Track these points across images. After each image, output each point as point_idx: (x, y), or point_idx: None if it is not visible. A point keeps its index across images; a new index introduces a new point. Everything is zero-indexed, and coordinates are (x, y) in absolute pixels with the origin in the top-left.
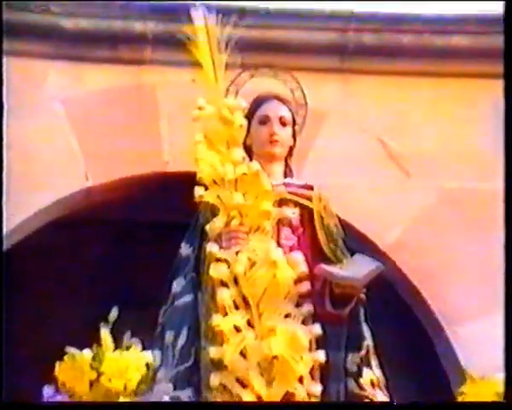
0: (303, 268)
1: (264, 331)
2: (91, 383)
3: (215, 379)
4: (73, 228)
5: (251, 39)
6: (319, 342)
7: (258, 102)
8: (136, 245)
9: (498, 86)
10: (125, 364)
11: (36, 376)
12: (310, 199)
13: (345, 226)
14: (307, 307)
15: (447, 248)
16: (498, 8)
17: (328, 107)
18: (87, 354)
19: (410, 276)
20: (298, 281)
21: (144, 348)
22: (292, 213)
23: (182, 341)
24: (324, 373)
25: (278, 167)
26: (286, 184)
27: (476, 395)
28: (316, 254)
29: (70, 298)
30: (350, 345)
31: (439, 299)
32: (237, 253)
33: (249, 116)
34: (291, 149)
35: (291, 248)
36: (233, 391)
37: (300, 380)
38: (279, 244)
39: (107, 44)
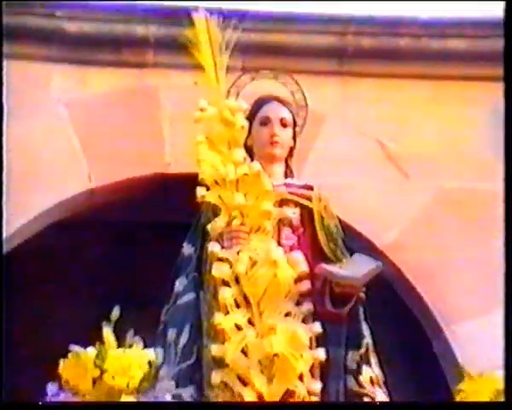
0: (303, 267)
1: (264, 330)
2: (94, 381)
3: (216, 377)
4: (76, 229)
5: (251, 42)
6: (319, 341)
7: (259, 104)
8: (139, 245)
9: (495, 89)
10: (128, 362)
11: (37, 376)
12: (310, 199)
13: (344, 227)
14: (307, 306)
15: (446, 249)
16: (495, 12)
17: (328, 109)
18: (91, 352)
19: (408, 276)
20: (298, 280)
21: (146, 347)
22: (292, 213)
23: (184, 339)
24: (324, 371)
25: (279, 168)
26: (286, 185)
27: (474, 393)
28: (316, 254)
29: (72, 298)
30: (350, 343)
31: (437, 298)
32: (238, 252)
33: (250, 117)
34: (291, 149)
35: (291, 248)
36: (234, 389)
37: (301, 378)
38: (280, 244)
39: (109, 48)
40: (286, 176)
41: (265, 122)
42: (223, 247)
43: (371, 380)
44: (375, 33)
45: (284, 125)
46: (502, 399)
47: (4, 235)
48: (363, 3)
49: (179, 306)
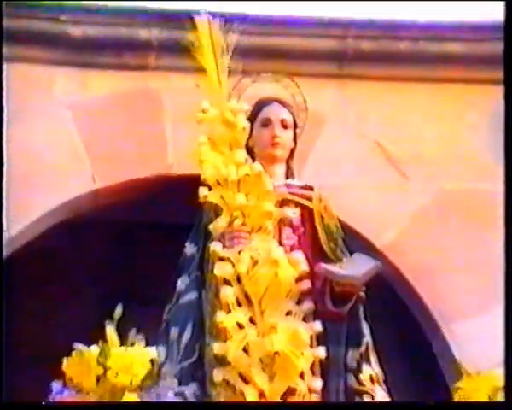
0: (304, 267)
1: (266, 328)
2: (98, 379)
3: (218, 375)
4: (80, 229)
5: (252, 46)
6: (320, 339)
7: (260, 106)
8: (142, 245)
9: (494, 92)
10: (131, 360)
11: (41, 375)
12: (310, 199)
13: (343, 227)
14: (308, 305)
15: (444, 249)
16: (493, 15)
17: (328, 111)
18: (94, 350)
19: (407, 275)
20: (299, 279)
21: (148, 345)
22: (293, 213)
23: (186, 337)
24: (325, 369)
25: (280, 169)
26: (287, 185)
27: (473, 391)
28: (316, 254)
29: (76, 297)
30: (350, 342)
31: (436, 298)
32: (240, 252)
33: (252, 119)
34: (292, 151)
35: (292, 248)
36: (236, 386)
37: (301, 376)
38: (280, 244)
39: (112, 51)
40: (287, 177)
41: (266, 123)
42: (224, 246)
43: (371, 378)
44: (374, 37)
45: (285, 126)
46: (500, 397)
47: (8, 236)
48: (362, 7)
49: (181, 305)
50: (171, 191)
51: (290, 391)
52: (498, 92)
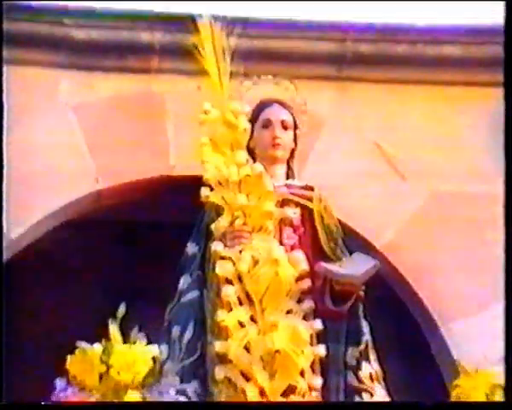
0: (304, 266)
1: (266, 327)
2: (101, 376)
3: (220, 372)
4: (84, 230)
5: (254, 49)
6: (320, 337)
7: (261, 107)
8: (144, 245)
9: (490, 94)
10: (133, 357)
11: (41, 373)
12: (310, 200)
13: (343, 227)
14: (308, 304)
15: (442, 249)
16: (490, 19)
17: (328, 113)
18: (97, 348)
19: (406, 275)
20: (299, 278)
21: (150, 343)
22: (293, 213)
23: (188, 335)
24: (325, 367)
25: (280, 169)
26: (287, 186)
27: (471, 388)
28: (316, 253)
29: (78, 297)
30: (349, 340)
31: (433, 297)
32: (241, 251)
33: (252, 120)
34: (292, 151)
35: (292, 247)
36: (237, 384)
37: (302, 373)
38: (281, 243)
39: (116, 54)
40: (287, 177)
41: (267, 125)
42: (226, 246)
43: (370, 376)
44: (373, 40)
45: (285, 127)
46: (498, 394)
47: (11, 237)
48: (361, 11)
49: (183, 303)
50: (173, 192)
51: (290, 389)
52: (496, 94)
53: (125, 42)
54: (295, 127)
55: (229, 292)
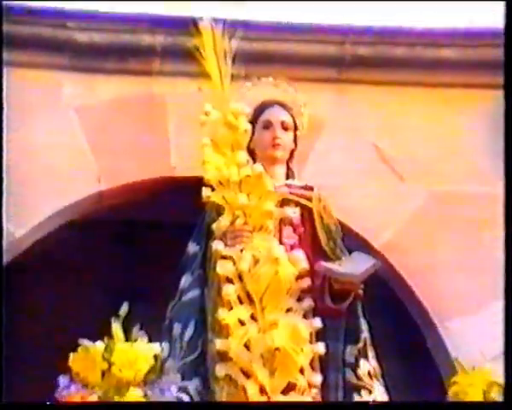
0: (304, 265)
1: (266, 325)
2: (103, 373)
3: (221, 370)
4: (86, 229)
5: (254, 51)
6: (319, 335)
7: (261, 108)
8: (146, 245)
9: (487, 95)
10: (135, 355)
11: (45, 371)
12: (310, 199)
13: (342, 226)
14: (308, 302)
15: (440, 248)
16: (486, 22)
17: (327, 114)
18: (99, 345)
19: (404, 274)
20: (299, 277)
21: (151, 341)
22: (293, 212)
23: (189, 333)
24: (324, 364)
25: (280, 170)
26: (287, 186)
27: (468, 386)
28: (316, 252)
29: (81, 296)
30: (348, 338)
31: (431, 296)
32: (242, 250)
33: (253, 121)
34: (292, 152)
35: (292, 247)
36: (238, 381)
37: (301, 371)
38: (281, 242)
39: (118, 56)
40: (287, 177)
41: (267, 126)
42: (226, 245)
43: (369, 373)
44: (372, 43)
45: (285, 128)
46: (495, 391)
47: (17, 236)
48: (360, 14)
49: (184, 302)
50: (174, 193)
51: (290, 386)
52: (494, 95)
53: (126, 44)
54: (295, 128)
55: (230, 291)
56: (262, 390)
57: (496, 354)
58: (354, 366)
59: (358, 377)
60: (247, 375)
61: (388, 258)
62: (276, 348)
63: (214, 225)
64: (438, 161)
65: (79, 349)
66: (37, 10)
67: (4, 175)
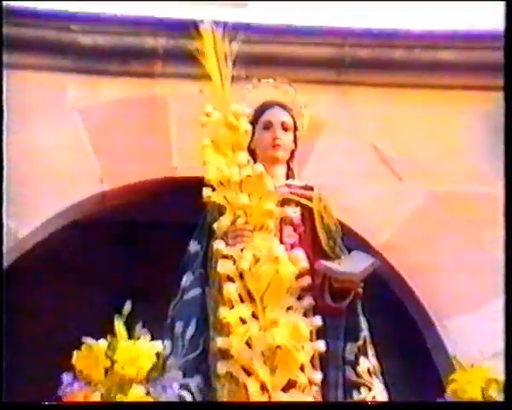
0: (304, 264)
1: (267, 323)
2: (106, 371)
3: (222, 367)
4: (89, 230)
5: (254, 53)
6: (319, 333)
7: (261, 109)
8: (147, 245)
9: (484, 97)
10: (137, 353)
11: (49, 369)
12: (310, 199)
13: (342, 226)
14: (308, 301)
15: (438, 248)
16: (484, 24)
17: (327, 115)
18: (102, 343)
19: (403, 274)
20: (299, 276)
21: (153, 339)
22: (293, 212)
23: (191, 331)
24: (324, 362)
25: (280, 170)
26: (288, 185)
27: (466, 383)
28: (316, 251)
29: (85, 295)
30: (348, 336)
31: (429, 295)
32: (242, 250)
33: (253, 122)
34: (293, 152)
35: (293, 246)
36: (239, 379)
37: (302, 368)
38: (281, 242)
39: (121, 59)
40: (287, 177)
41: (268, 126)
42: (227, 244)
43: (368, 370)
44: (371, 45)
45: (285, 128)
46: (493, 388)
47: (20, 236)
48: (359, 17)
49: (186, 300)
50: (175, 193)
51: (291, 383)
52: (492, 97)
53: (129, 47)
54: (295, 129)
55: (231, 289)
56: (263, 388)
57: (494, 352)
58: (354, 364)
59: (358, 375)
60: (248, 372)
61: (388, 258)
62: (277, 346)
63: (215, 225)
64: (437, 161)
65: (83, 347)
66: (41, 13)
67: (7, 176)
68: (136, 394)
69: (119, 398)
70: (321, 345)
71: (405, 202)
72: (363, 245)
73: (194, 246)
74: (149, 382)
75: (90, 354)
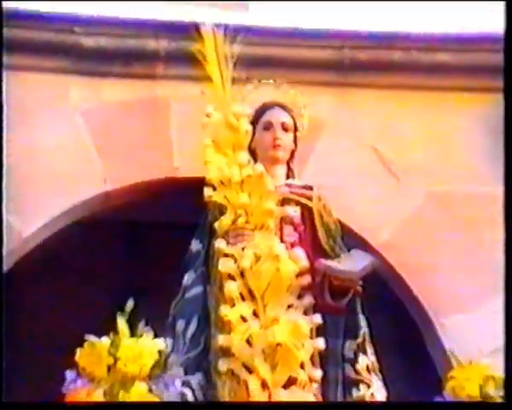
0: (304, 263)
1: (268, 321)
2: (109, 368)
3: (223, 365)
4: (93, 229)
5: (255, 55)
6: (319, 331)
7: (262, 110)
8: (149, 244)
9: (482, 98)
10: (140, 350)
11: (52, 366)
12: (310, 199)
13: (341, 226)
14: (308, 299)
15: (436, 248)
16: (481, 27)
17: (326, 117)
18: (105, 341)
19: (402, 273)
20: (299, 275)
21: (156, 336)
22: (294, 211)
23: (192, 329)
24: (324, 359)
25: (281, 169)
26: (288, 185)
27: (465, 379)
28: (316, 250)
29: (88, 294)
30: (347, 333)
31: (428, 293)
32: (243, 248)
33: (254, 122)
34: (293, 152)
35: (293, 245)
36: (240, 376)
37: (302, 366)
38: (282, 241)
39: (123, 61)
40: (287, 177)
41: (268, 127)
42: (229, 243)
43: (367, 368)
44: (370, 47)
45: (285, 129)
46: (491, 385)
47: (24, 235)
48: (359, 20)
49: (188, 298)
50: (177, 193)
51: (291, 381)
52: (490, 98)
53: (131, 49)
54: (295, 129)
55: (232, 288)
56: (263, 385)
57: (492, 350)
58: (353, 361)
59: (357, 372)
60: (249, 370)
61: (387, 257)
62: (278, 344)
63: (216, 224)
64: (436, 161)
65: (86, 345)
66: (44, 15)
67: (11, 176)
68: (139, 391)
69: (122, 395)
70: (321, 343)
71: (405, 201)
72: (362, 245)
73: (195, 245)
74: (152, 379)
75: (93, 352)
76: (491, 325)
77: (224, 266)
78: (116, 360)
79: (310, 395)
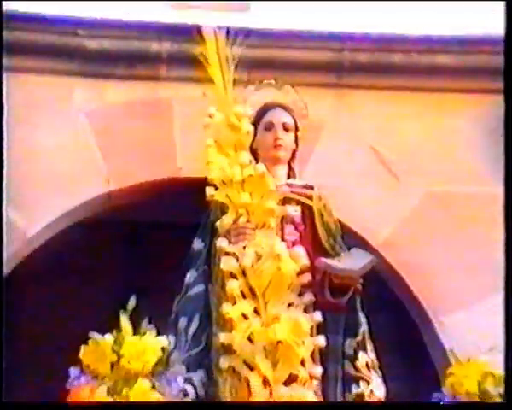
0: (305, 261)
1: (269, 319)
2: (112, 365)
3: (225, 362)
4: (96, 229)
5: (256, 57)
6: (319, 328)
7: (263, 110)
8: (152, 244)
9: (481, 99)
10: (143, 347)
11: (57, 363)
12: (311, 198)
13: (341, 225)
14: (309, 297)
15: (436, 247)
16: (480, 29)
17: (327, 118)
18: (109, 338)
19: (401, 272)
20: (300, 273)
21: (159, 334)
22: (294, 210)
23: (194, 327)
24: (324, 356)
25: (282, 169)
26: (289, 185)
27: (463, 376)
28: (316, 249)
29: (91, 293)
30: (347, 331)
31: (426, 292)
32: (245, 247)
33: (255, 123)
34: (294, 152)
35: (294, 243)
36: (241, 373)
37: (302, 363)
38: (283, 239)
39: (126, 63)
40: (288, 177)
41: (269, 127)
42: (230, 242)
43: (367, 365)
44: (370, 49)
45: (286, 129)
46: (489, 382)
47: (29, 235)
48: (358, 22)
49: (190, 297)
50: (180, 193)
51: (292, 378)
52: (490, 100)
53: (134, 51)
54: (296, 129)
55: (234, 286)
56: (265, 382)
57: (491, 347)
58: (353, 358)
59: (357, 369)
60: (251, 367)
61: (387, 256)
62: (279, 341)
63: (218, 223)
64: (435, 162)
65: (90, 342)
66: (48, 18)
67: (15, 177)
68: (142, 388)
69: (125, 392)
70: (321, 340)
71: (404, 201)
72: (362, 244)
73: (197, 244)
74: (154, 376)
75: (97, 349)
76: (490, 323)
77: (226, 264)
78: (119, 357)
79: (310, 391)
